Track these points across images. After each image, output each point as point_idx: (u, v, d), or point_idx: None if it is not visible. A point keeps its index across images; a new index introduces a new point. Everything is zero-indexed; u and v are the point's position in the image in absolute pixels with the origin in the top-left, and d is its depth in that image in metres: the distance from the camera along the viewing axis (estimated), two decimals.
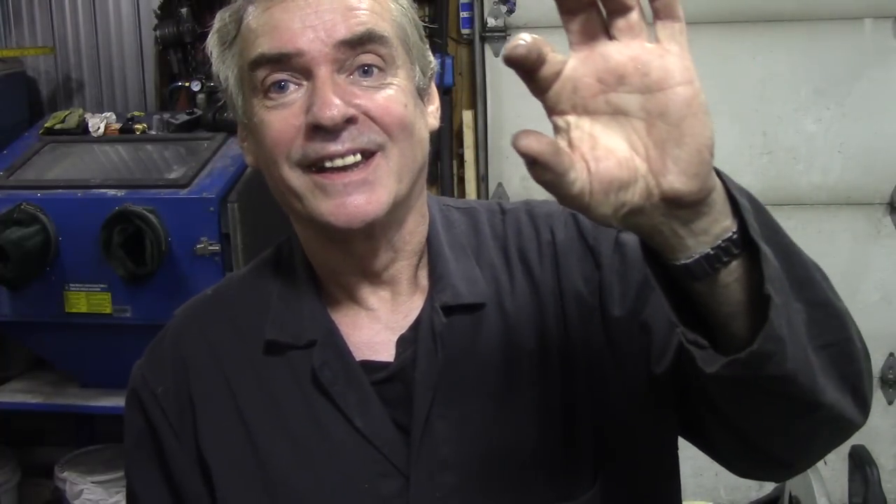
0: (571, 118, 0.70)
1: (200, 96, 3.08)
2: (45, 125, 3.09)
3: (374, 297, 1.06)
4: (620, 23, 0.68)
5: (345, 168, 0.96)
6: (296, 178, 0.98)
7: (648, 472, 1.05)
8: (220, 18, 1.03)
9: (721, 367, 0.73)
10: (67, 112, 3.14)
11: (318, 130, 0.95)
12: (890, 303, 2.78)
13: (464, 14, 3.10)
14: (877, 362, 2.82)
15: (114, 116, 3.11)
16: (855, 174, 2.73)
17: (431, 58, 1.07)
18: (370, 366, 1.03)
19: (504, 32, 2.79)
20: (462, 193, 3.10)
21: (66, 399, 3.00)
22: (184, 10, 3.27)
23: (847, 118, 2.71)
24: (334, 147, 0.95)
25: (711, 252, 0.72)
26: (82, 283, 2.70)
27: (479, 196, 3.08)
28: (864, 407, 0.87)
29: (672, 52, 0.68)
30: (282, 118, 0.97)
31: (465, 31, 3.12)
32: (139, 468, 1.11)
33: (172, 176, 2.80)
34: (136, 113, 3.15)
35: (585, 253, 1.06)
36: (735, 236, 0.73)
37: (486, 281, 1.06)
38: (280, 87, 0.97)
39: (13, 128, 3.20)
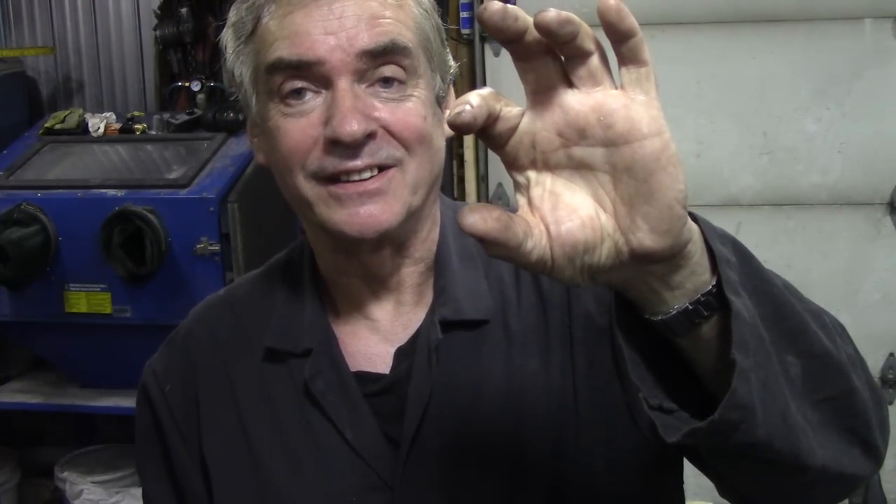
0: (531, 174, 0.65)
1: (200, 96, 3.08)
2: (45, 125, 3.09)
3: (377, 307, 1.04)
4: (580, 70, 0.61)
5: (360, 180, 0.94)
6: (309, 189, 0.96)
7: (652, 495, 1.03)
8: (237, 11, 0.99)
9: (682, 436, 0.68)
10: (67, 112, 3.14)
11: (337, 145, 0.92)
12: (890, 303, 2.78)
13: (464, 14, 3.10)
14: (877, 362, 2.82)
15: (114, 116, 3.11)
16: (855, 174, 2.73)
17: (451, 62, 1.04)
18: (365, 377, 1.02)
19: None
20: (462, 193, 3.10)
21: (66, 399, 3.00)
22: (184, 10, 3.26)
23: (847, 118, 2.71)
24: (352, 163, 0.93)
25: (690, 307, 0.68)
26: (82, 283, 2.70)
27: (479, 197, 3.08)
28: (875, 458, 0.81)
29: (638, 100, 0.62)
30: (299, 128, 0.94)
31: (465, 31, 3.11)
32: (147, 463, 1.12)
33: (172, 176, 2.80)
34: (136, 113, 3.15)
35: None
36: (714, 290, 0.68)
37: (492, 295, 1.03)
38: (297, 93, 0.94)
39: (13, 128, 3.20)
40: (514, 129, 0.64)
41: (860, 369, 0.80)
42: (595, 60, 0.61)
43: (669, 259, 0.65)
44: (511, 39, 0.60)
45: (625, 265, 0.64)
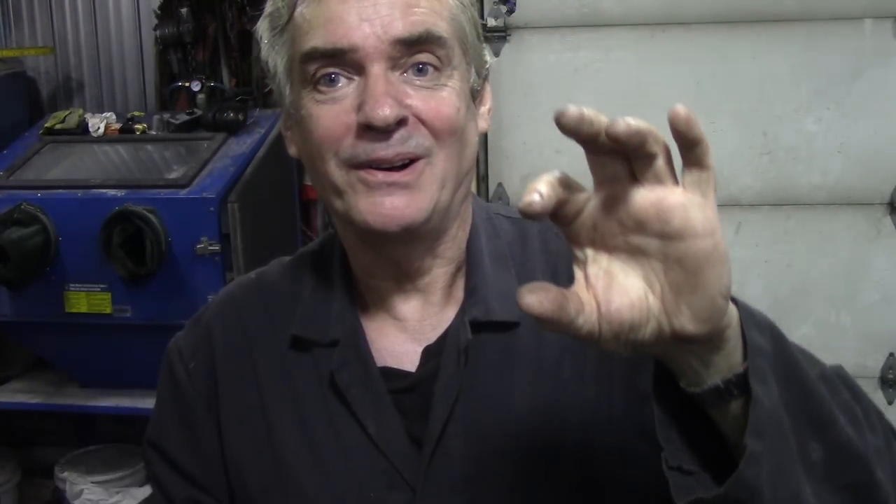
0: (590, 251, 0.70)
1: (200, 96, 3.08)
2: (45, 125, 3.09)
3: (405, 306, 1.04)
4: (646, 170, 0.66)
5: (390, 169, 0.94)
6: (340, 175, 0.95)
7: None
8: (273, 2, 0.99)
9: (689, 503, 0.71)
10: (67, 112, 3.14)
11: (369, 129, 0.92)
12: (890, 303, 2.78)
13: None
14: (877, 362, 2.82)
15: (114, 116, 3.11)
16: (855, 174, 2.73)
17: (487, 57, 1.03)
18: (391, 373, 1.02)
19: (504, 32, 2.78)
20: None
21: (66, 399, 3.00)
22: (184, 10, 3.27)
23: (847, 118, 2.70)
24: (384, 152, 0.92)
25: (721, 385, 0.72)
26: (82, 283, 2.70)
27: (478, 196, 3.08)
28: None
29: (696, 201, 0.66)
30: (332, 114, 0.94)
31: None
32: (168, 436, 1.12)
33: (172, 176, 2.80)
34: (136, 113, 3.15)
35: None
36: (744, 373, 0.72)
37: None
38: (330, 80, 0.94)
39: (13, 128, 3.20)
40: (580, 212, 0.68)
41: (887, 462, 0.82)
42: (660, 162, 0.66)
43: (707, 342, 0.69)
44: (585, 141, 0.65)
45: (666, 342, 0.69)
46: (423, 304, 1.04)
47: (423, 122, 0.94)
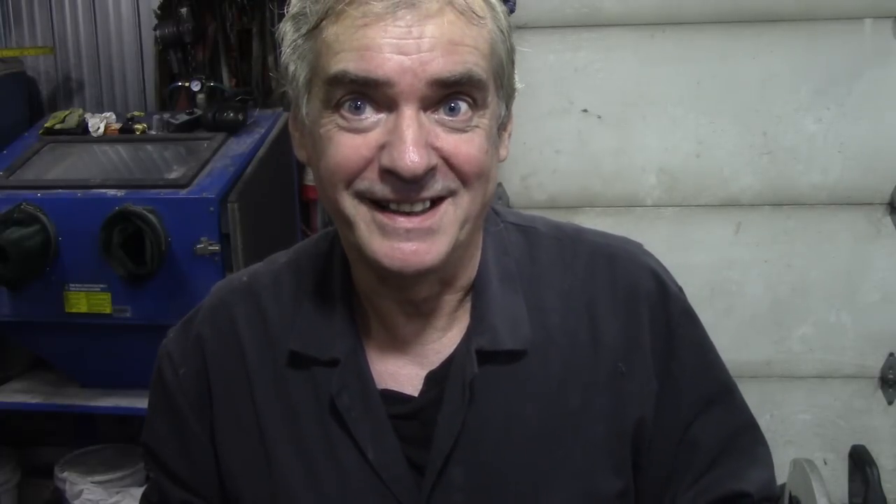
0: None
1: (200, 96, 3.08)
2: (45, 125, 3.09)
3: (408, 328, 1.01)
4: None
5: (410, 212, 0.89)
6: (353, 207, 0.90)
7: None
8: (301, 4, 0.92)
9: None
10: (67, 112, 3.14)
11: (392, 175, 0.87)
12: (890, 303, 2.78)
13: None
14: (877, 362, 2.82)
15: (114, 116, 3.11)
16: (855, 174, 2.73)
17: (517, 83, 0.98)
18: (392, 397, 0.99)
19: None
20: None
21: (66, 399, 3.00)
22: (184, 10, 3.26)
23: (847, 118, 2.71)
24: (405, 197, 0.88)
25: None
26: (82, 283, 2.70)
27: None
28: None
29: None
30: (353, 145, 0.88)
31: None
32: (160, 442, 1.11)
33: (172, 176, 2.80)
34: (136, 113, 3.15)
35: (664, 331, 1.01)
36: None
37: (532, 324, 0.99)
38: (356, 107, 0.88)
39: (13, 128, 3.20)
40: None
41: None
42: None
43: None
44: None
45: None
46: (427, 327, 1.01)
47: (451, 165, 0.89)
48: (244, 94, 3.24)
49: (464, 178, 0.90)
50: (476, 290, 1.00)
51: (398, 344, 1.01)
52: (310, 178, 3.25)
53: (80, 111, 3.14)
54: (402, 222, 0.89)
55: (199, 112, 3.02)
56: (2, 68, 3.35)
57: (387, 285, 0.98)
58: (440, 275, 0.97)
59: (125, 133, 3.03)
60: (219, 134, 2.93)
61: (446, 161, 0.89)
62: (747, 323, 2.81)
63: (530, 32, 2.74)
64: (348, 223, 0.92)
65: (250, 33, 3.31)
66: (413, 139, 0.85)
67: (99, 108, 3.45)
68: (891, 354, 2.80)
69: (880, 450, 2.75)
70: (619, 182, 2.79)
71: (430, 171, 0.88)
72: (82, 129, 3.05)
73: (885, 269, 2.77)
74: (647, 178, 2.79)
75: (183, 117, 3.00)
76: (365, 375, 0.99)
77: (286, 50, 0.94)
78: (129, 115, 3.10)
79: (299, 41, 0.92)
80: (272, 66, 3.27)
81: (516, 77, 0.97)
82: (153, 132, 3.02)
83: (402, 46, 0.85)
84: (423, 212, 0.89)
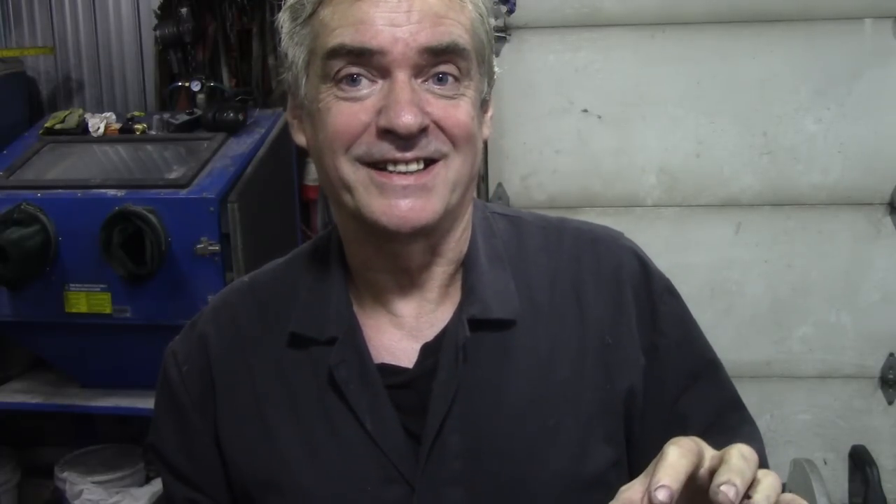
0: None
1: (200, 96, 3.08)
2: (45, 125, 3.09)
3: (402, 303, 1.05)
4: None
5: (406, 172, 0.96)
6: (352, 172, 0.97)
7: None
8: None
9: None
10: (67, 112, 3.14)
11: (389, 134, 0.94)
12: (890, 303, 2.78)
13: None
14: (877, 362, 2.82)
15: (114, 116, 3.11)
16: (855, 174, 2.73)
17: (496, 67, 1.06)
18: (388, 369, 1.03)
19: (504, 32, 2.78)
20: None
21: (66, 399, 3.00)
22: (184, 10, 3.27)
23: (847, 118, 2.70)
24: (401, 154, 0.95)
25: None
26: (82, 283, 2.70)
27: (478, 196, 3.08)
28: None
29: None
30: (350, 112, 0.95)
31: None
32: (165, 440, 1.13)
33: (172, 176, 2.80)
34: (136, 113, 3.15)
35: (648, 307, 1.06)
36: None
37: (520, 298, 1.05)
38: (353, 79, 0.95)
39: (13, 128, 3.20)
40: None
41: None
42: None
43: None
44: None
45: None
46: (420, 301, 1.05)
47: (442, 129, 0.96)
48: (244, 94, 3.25)
49: (454, 140, 0.97)
50: (466, 267, 1.05)
51: (393, 319, 1.05)
52: (310, 178, 3.25)
53: (80, 111, 3.14)
54: (399, 180, 0.95)
55: (199, 112, 3.02)
56: (2, 68, 3.35)
57: (382, 253, 1.03)
58: (431, 241, 1.02)
59: (125, 133, 3.03)
60: (219, 134, 2.93)
61: (437, 124, 0.96)
62: (747, 323, 2.81)
63: (530, 32, 2.74)
64: (348, 187, 0.97)
65: (250, 33, 3.32)
66: (408, 99, 0.93)
67: (99, 108, 3.45)
68: (891, 354, 2.80)
69: (880, 450, 2.75)
70: (619, 182, 2.79)
71: (424, 131, 0.95)
72: (82, 129, 3.05)
73: (885, 269, 2.77)
74: (647, 178, 2.79)
75: (183, 117, 3.00)
76: (362, 350, 1.03)
77: (284, 38, 1.01)
78: (129, 115, 3.10)
79: (297, 28, 0.99)
80: (272, 66, 3.28)
81: (495, 62, 1.05)
82: (153, 132, 3.02)
83: (393, 19, 0.93)
84: (418, 171, 0.96)
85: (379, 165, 0.96)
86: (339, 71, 0.95)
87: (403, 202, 0.95)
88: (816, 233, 2.77)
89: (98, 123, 3.04)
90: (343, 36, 0.94)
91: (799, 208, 2.78)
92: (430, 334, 1.04)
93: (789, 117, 2.73)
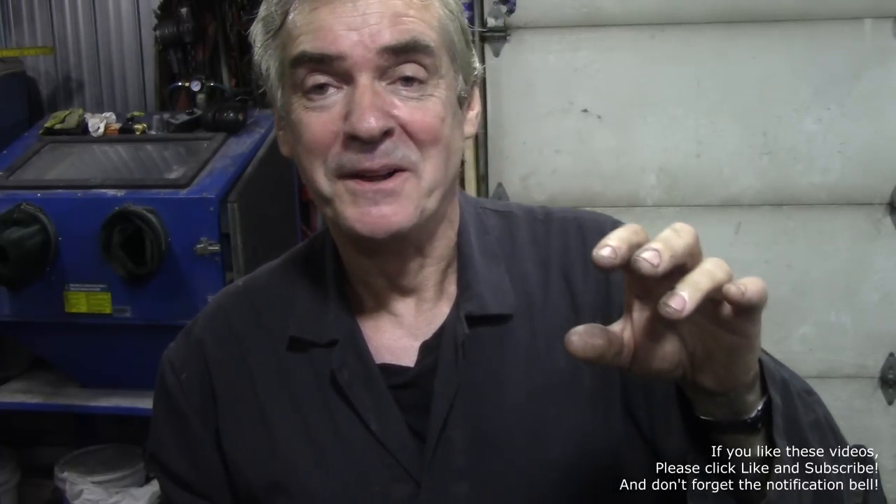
0: (639, 302, 0.77)
1: (200, 96, 3.09)
2: (45, 125, 3.09)
3: (400, 304, 1.06)
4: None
5: (374, 177, 0.96)
6: (327, 185, 0.97)
7: None
8: (267, 6, 1.01)
9: None
10: (67, 112, 3.14)
11: (354, 140, 0.94)
12: (890, 303, 2.78)
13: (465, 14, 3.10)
14: (877, 362, 2.82)
15: (114, 116, 3.12)
16: (855, 174, 2.73)
17: (476, 63, 1.05)
18: (390, 370, 1.03)
19: (504, 32, 2.78)
20: None
21: (66, 399, 3.00)
22: (184, 10, 3.27)
23: (847, 118, 2.70)
24: (369, 163, 0.94)
25: (730, 420, 0.80)
26: (82, 283, 2.70)
27: (478, 196, 3.08)
28: None
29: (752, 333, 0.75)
30: (320, 122, 0.96)
31: None
32: (165, 448, 1.13)
33: (172, 176, 2.80)
34: (136, 113, 3.15)
35: None
36: (755, 416, 0.80)
37: (515, 292, 1.05)
38: (320, 88, 0.95)
39: (13, 128, 3.20)
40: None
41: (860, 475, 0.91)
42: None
43: (723, 397, 0.79)
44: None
45: (685, 384, 0.80)
46: (417, 301, 1.06)
47: (408, 133, 0.95)
48: (244, 94, 3.25)
49: (421, 145, 0.96)
50: (461, 264, 1.06)
51: (393, 318, 1.06)
52: None
53: (80, 111, 3.14)
54: (368, 186, 0.95)
55: (199, 112, 3.02)
56: (2, 68, 3.35)
57: (371, 261, 1.04)
58: (416, 245, 1.02)
59: (125, 133, 3.03)
60: (219, 134, 2.93)
61: (404, 128, 0.95)
62: None
63: (530, 32, 2.74)
64: (326, 200, 0.98)
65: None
66: (369, 103, 0.93)
67: (99, 108, 3.46)
68: (891, 354, 2.80)
69: (880, 450, 2.75)
70: (619, 182, 2.79)
71: (388, 135, 0.94)
72: (82, 129, 3.05)
73: (885, 269, 2.77)
74: (647, 178, 2.79)
75: (183, 117, 3.00)
76: (363, 351, 1.03)
77: (258, 51, 1.02)
78: (129, 115, 3.11)
79: (269, 41, 1.00)
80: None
81: (475, 58, 1.05)
82: (153, 132, 3.02)
83: (351, 23, 0.93)
84: (386, 177, 0.96)
85: (352, 177, 0.96)
86: (304, 79, 0.95)
87: (374, 209, 0.95)
88: (816, 233, 2.77)
89: (98, 123, 3.04)
90: (304, 44, 0.95)
91: (799, 208, 2.77)
92: (428, 332, 1.04)
93: (789, 117, 2.73)
